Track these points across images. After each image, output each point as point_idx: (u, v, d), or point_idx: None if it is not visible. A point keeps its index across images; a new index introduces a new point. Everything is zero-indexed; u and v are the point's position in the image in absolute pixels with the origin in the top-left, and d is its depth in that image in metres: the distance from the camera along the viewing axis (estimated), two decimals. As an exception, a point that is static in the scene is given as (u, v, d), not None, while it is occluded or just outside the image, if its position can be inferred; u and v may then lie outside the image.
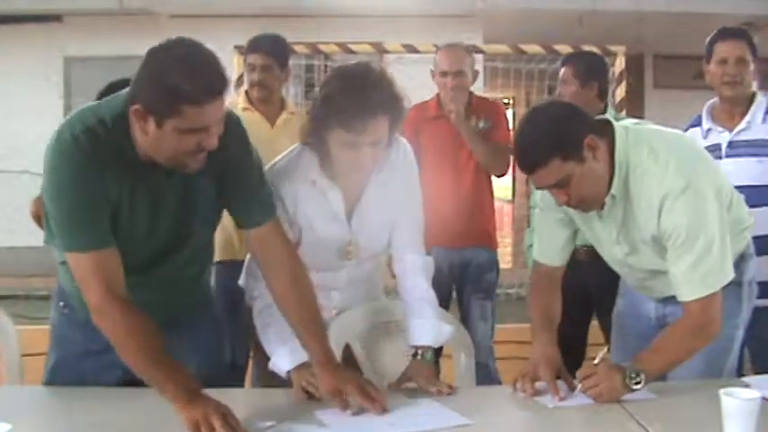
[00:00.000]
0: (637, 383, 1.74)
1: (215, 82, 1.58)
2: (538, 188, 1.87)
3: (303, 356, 1.87)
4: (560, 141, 1.75)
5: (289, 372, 1.86)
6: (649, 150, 1.81)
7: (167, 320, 1.88)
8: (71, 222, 1.64)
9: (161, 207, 1.74)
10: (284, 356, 1.88)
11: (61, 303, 1.91)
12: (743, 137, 2.58)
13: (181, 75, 1.53)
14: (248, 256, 2.05)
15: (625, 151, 1.82)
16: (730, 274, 1.83)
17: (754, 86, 2.68)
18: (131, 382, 1.84)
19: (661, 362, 1.81)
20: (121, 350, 1.64)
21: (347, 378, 1.75)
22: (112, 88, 2.67)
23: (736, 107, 2.63)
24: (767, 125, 2.58)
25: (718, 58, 2.59)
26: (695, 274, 1.79)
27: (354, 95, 1.77)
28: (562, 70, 3.10)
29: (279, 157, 2.03)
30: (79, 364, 1.86)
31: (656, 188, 1.79)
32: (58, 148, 1.62)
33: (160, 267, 1.81)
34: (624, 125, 1.88)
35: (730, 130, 2.60)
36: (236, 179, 1.80)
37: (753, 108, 2.60)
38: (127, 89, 1.67)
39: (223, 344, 2.16)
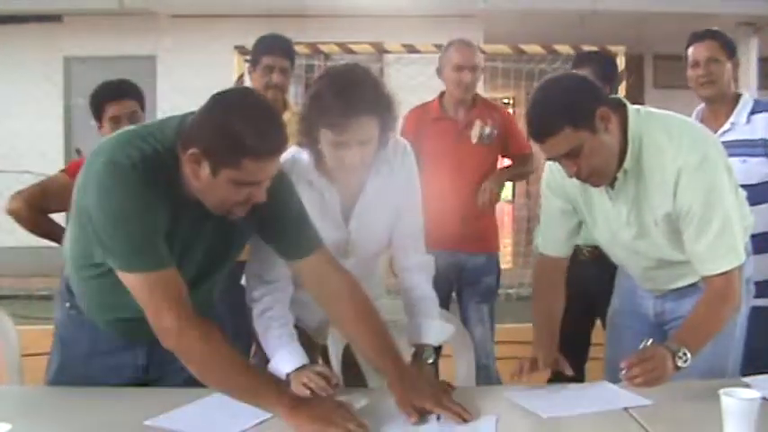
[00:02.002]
0: (684, 361, 1.73)
1: (278, 139, 1.58)
2: (548, 158, 1.87)
3: (303, 359, 1.87)
4: (572, 110, 1.75)
5: (288, 374, 1.86)
6: (663, 129, 1.83)
7: None
8: (141, 242, 1.58)
9: (197, 241, 1.72)
10: (284, 359, 1.87)
11: (67, 304, 1.88)
12: (727, 138, 2.59)
13: (247, 127, 1.51)
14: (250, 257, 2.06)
15: (638, 128, 1.83)
16: (744, 254, 1.86)
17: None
18: (137, 383, 1.84)
19: (697, 337, 1.80)
20: (208, 369, 1.58)
21: (422, 393, 1.69)
22: (106, 88, 2.70)
23: (720, 108, 2.66)
24: (751, 125, 2.61)
25: (691, 62, 2.67)
26: (719, 248, 1.80)
27: (337, 95, 1.78)
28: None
29: None
30: (85, 366, 1.86)
31: (671, 164, 1.80)
32: (115, 172, 1.55)
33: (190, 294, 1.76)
34: (636, 107, 1.89)
35: (716, 132, 2.61)
36: (277, 220, 1.78)
37: (737, 108, 2.63)
38: (176, 117, 1.64)
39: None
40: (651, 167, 1.83)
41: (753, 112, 2.62)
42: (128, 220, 1.56)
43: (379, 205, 2.02)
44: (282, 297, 1.96)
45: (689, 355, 1.74)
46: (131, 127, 1.72)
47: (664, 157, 1.81)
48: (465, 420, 1.63)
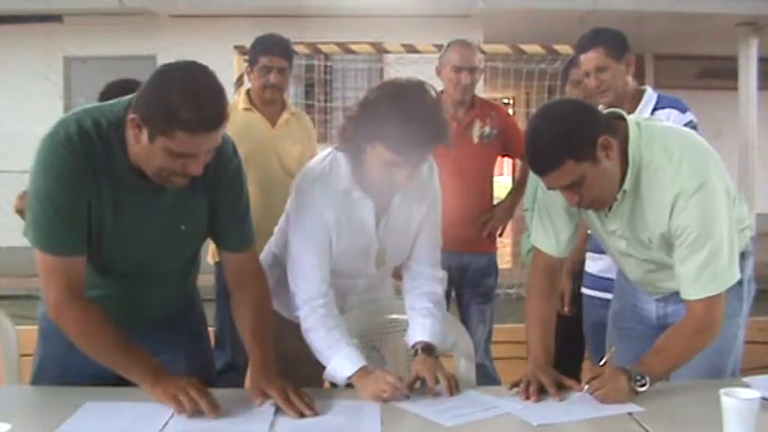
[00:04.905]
0: (642, 386, 1.73)
1: (214, 116, 1.58)
2: (549, 189, 1.83)
3: (360, 360, 1.86)
4: (574, 143, 1.71)
5: (349, 377, 1.85)
6: (663, 148, 1.78)
7: (154, 322, 1.90)
8: (49, 225, 1.66)
9: (148, 219, 1.75)
10: (342, 364, 1.86)
11: None
12: None
13: (183, 100, 1.53)
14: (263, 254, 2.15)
15: (638, 147, 1.79)
16: (737, 275, 1.82)
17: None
18: (116, 378, 1.85)
19: (664, 364, 1.80)
20: (85, 341, 1.71)
21: (272, 383, 1.74)
22: (113, 88, 2.69)
23: (621, 107, 2.56)
24: None
25: (583, 72, 2.60)
26: (704, 274, 1.77)
27: (410, 121, 1.73)
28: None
29: (311, 162, 2.01)
30: (65, 357, 1.86)
31: (670, 187, 1.76)
32: (51, 147, 1.64)
33: (148, 275, 1.83)
34: (636, 120, 1.85)
35: None
36: (225, 204, 1.83)
37: (640, 106, 2.53)
38: (128, 96, 1.68)
39: (209, 345, 2.18)
40: (650, 189, 1.80)
41: (656, 109, 2.53)
42: (49, 201, 1.65)
43: (406, 217, 2.02)
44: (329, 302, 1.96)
45: (647, 380, 1.74)
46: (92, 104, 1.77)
47: (662, 180, 1.77)
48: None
